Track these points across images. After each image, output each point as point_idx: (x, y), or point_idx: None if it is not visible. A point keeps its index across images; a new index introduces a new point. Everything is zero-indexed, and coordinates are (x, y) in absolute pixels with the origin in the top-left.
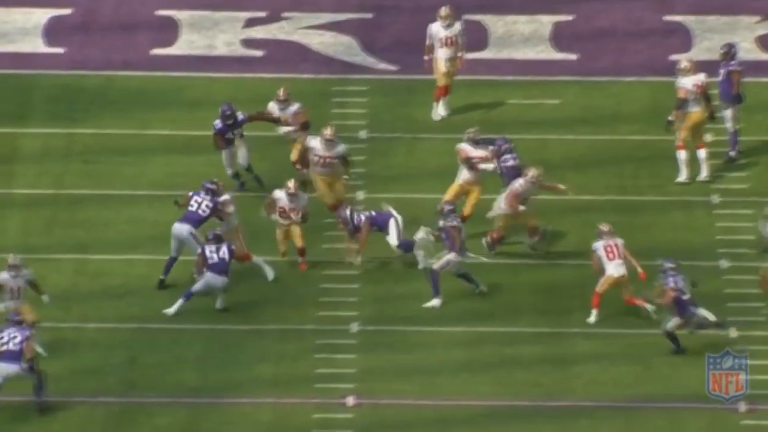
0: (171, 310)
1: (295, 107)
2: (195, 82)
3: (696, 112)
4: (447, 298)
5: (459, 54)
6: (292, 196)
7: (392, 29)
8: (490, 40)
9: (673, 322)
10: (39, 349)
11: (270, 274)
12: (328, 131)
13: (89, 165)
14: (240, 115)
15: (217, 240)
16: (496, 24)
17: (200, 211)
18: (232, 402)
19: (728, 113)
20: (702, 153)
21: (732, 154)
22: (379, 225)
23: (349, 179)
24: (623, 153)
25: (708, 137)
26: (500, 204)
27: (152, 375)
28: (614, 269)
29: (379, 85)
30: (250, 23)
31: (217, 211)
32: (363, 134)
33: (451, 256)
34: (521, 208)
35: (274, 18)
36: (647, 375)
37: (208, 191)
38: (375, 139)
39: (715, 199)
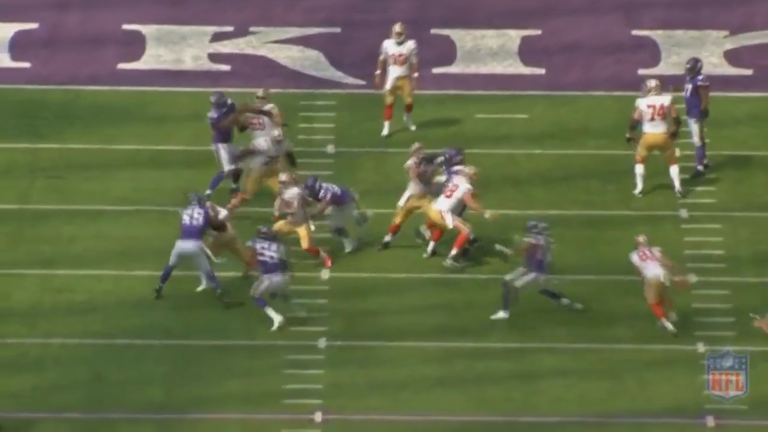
0: (276, 320)
1: (268, 107)
2: (161, 97)
3: (651, 134)
4: (417, 313)
5: (414, 74)
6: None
7: (360, 44)
8: (458, 54)
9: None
10: None
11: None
12: (278, 133)
13: (54, 180)
14: (230, 101)
15: (271, 238)
16: (464, 38)
17: (194, 222)
18: (199, 418)
19: (694, 128)
20: (673, 170)
21: (699, 168)
22: (339, 202)
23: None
24: (591, 168)
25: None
26: (448, 215)
27: (118, 391)
28: (654, 270)
29: (347, 100)
30: (217, 37)
31: (211, 220)
32: (330, 149)
33: (532, 276)
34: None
35: (241, 32)
36: (617, 391)
37: (195, 201)
38: (342, 154)
39: (683, 213)
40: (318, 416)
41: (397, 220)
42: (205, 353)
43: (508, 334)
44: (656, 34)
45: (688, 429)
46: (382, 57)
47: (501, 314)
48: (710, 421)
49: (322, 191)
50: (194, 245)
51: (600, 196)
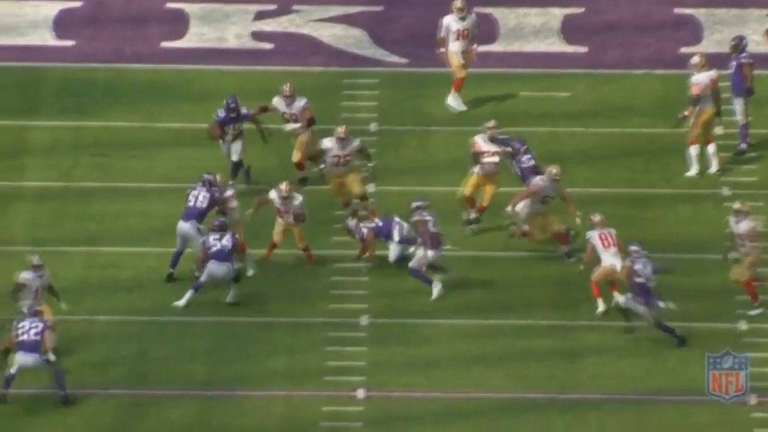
0: (181, 303)
1: (301, 103)
2: (205, 75)
3: (709, 108)
4: (459, 291)
5: (473, 46)
6: (284, 199)
7: (403, 22)
8: (501, 32)
9: (628, 300)
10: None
11: (251, 271)
12: (341, 129)
13: (99, 158)
14: (244, 110)
15: (221, 228)
16: (507, 17)
17: (198, 204)
18: (242, 395)
19: (738, 106)
20: (711, 147)
21: (742, 146)
22: (384, 235)
23: (370, 170)
24: (633, 146)
25: (718, 130)
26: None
27: (162, 368)
28: (611, 259)
29: (390, 78)
30: (260, 16)
31: (216, 203)
32: (373, 127)
33: (421, 252)
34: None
35: (284, 10)
36: (657, 368)
37: (204, 183)
38: (385, 132)
39: (725, 191)
40: (360, 393)
41: (467, 192)
42: (248, 330)
43: (549, 312)
44: (698, 12)
45: (729, 407)
46: (441, 34)
47: (435, 290)
48: (752, 399)
49: (360, 232)
50: (188, 226)
51: (642, 175)
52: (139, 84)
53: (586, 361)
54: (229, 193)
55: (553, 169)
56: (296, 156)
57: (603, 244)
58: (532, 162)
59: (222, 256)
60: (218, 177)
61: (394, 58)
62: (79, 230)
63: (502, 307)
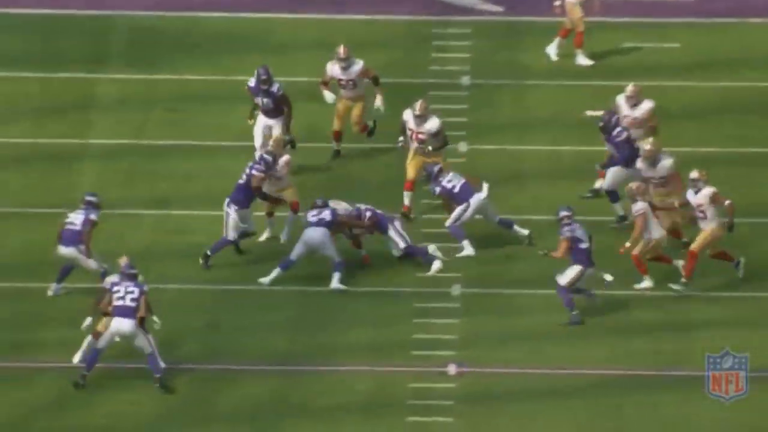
0: (266, 280)
1: (358, 67)
2: (283, 25)
3: None
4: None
5: None
6: (355, 218)
7: None
8: None
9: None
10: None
11: (284, 237)
12: (418, 105)
13: (171, 114)
14: (275, 87)
15: (321, 206)
16: None
17: (240, 180)
18: (324, 369)
19: None
20: None
21: None
22: (382, 228)
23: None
24: (747, 101)
25: None
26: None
27: (237, 340)
28: (659, 230)
29: (483, 28)
30: None
31: (250, 180)
32: (465, 81)
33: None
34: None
35: None
36: None
37: (261, 159)
38: (478, 86)
39: None
40: (451, 368)
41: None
42: (330, 300)
43: (656, 282)
44: None
45: None
46: None
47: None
48: None
49: (365, 213)
50: (228, 205)
51: (757, 132)
52: (214, 34)
53: (695, 334)
54: (283, 159)
55: (645, 145)
56: (336, 124)
57: (655, 216)
58: (625, 135)
59: (319, 224)
60: (274, 140)
61: (488, 6)
62: (149, 191)
63: None
